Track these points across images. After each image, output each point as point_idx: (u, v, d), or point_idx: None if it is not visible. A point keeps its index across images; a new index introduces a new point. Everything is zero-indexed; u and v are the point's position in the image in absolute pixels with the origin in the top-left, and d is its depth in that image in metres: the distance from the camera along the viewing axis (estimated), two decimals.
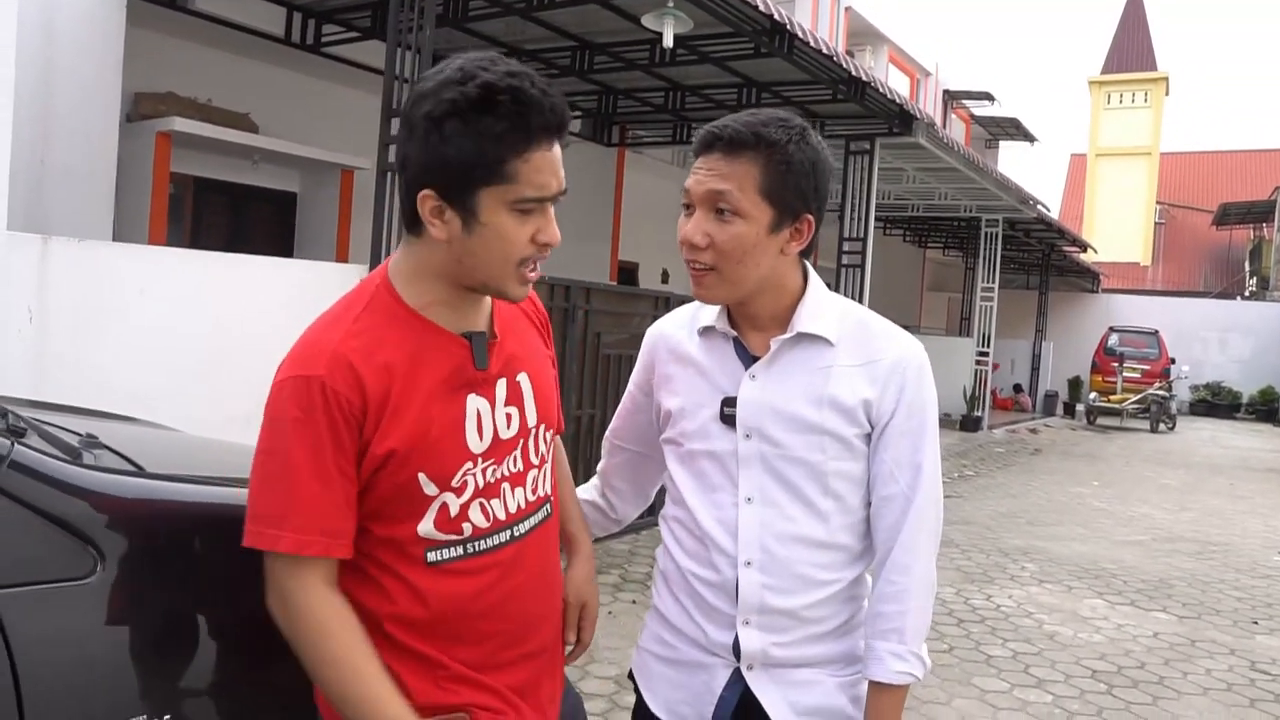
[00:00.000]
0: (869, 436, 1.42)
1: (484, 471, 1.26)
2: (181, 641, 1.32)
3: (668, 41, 6.52)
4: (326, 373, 1.16)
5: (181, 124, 6.73)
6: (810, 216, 1.39)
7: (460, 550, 1.25)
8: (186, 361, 4.41)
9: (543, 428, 1.36)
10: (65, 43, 5.75)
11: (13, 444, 1.24)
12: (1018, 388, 19.97)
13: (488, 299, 1.33)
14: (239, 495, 1.52)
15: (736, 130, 1.36)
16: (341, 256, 8.04)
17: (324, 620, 1.18)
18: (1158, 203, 31.43)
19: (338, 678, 1.18)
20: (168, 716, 1.24)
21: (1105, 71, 32.50)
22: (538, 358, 1.39)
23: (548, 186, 1.19)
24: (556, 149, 1.20)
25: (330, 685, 1.19)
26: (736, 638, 1.42)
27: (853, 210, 9.25)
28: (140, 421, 2.52)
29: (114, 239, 6.03)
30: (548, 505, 1.38)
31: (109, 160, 6.08)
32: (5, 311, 3.94)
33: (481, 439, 1.26)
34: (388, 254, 5.07)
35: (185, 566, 1.36)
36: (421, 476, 1.21)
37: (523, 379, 1.33)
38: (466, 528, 1.25)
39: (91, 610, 1.22)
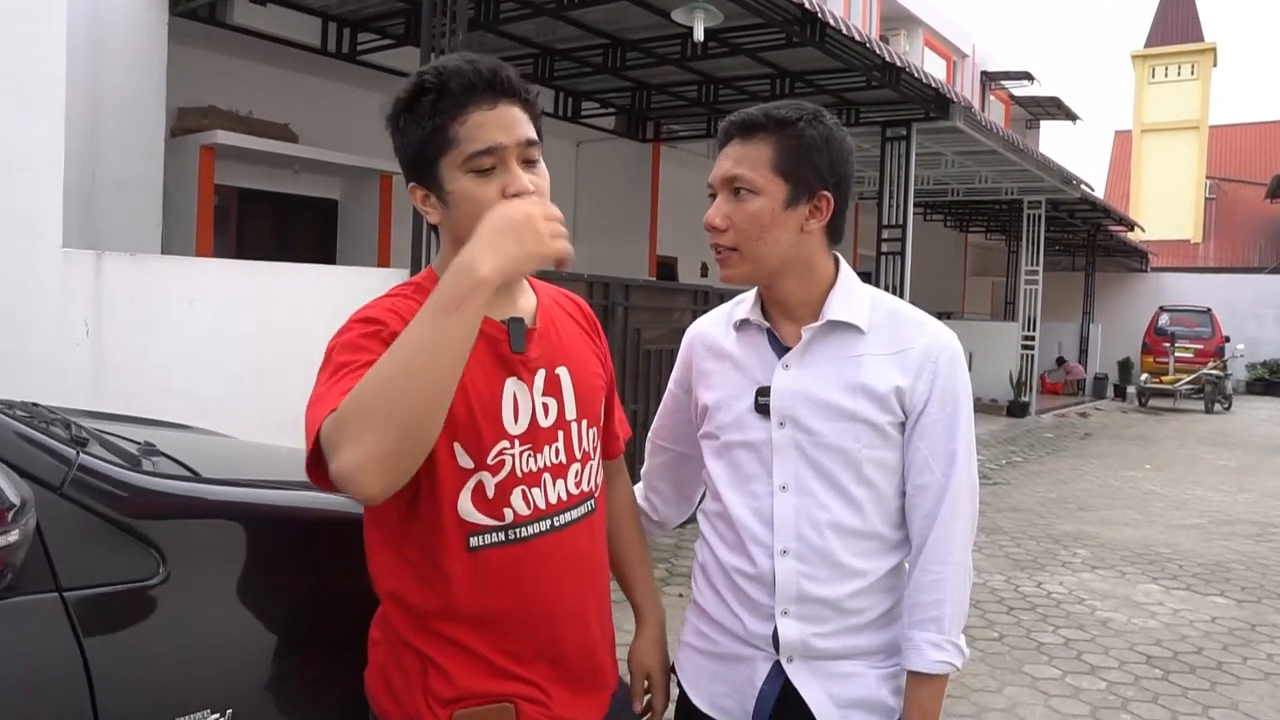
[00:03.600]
0: (903, 425, 1.43)
1: (522, 456, 1.29)
2: (241, 639, 1.37)
3: (699, 35, 6.51)
4: (383, 315, 1.24)
5: (224, 137, 6.88)
6: (827, 193, 1.41)
7: (501, 536, 1.28)
8: (236, 368, 4.52)
9: (585, 423, 1.38)
10: (111, 63, 5.91)
11: (77, 454, 1.30)
12: (1060, 360, 19.44)
13: (529, 293, 1.39)
14: (291, 498, 1.57)
15: (749, 115, 1.42)
16: (383, 261, 8.16)
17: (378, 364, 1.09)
18: (1208, 177, 30.57)
19: (394, 355, 1.07)
20: (230, 710, 1.29)
21: (1149, 44, 31.67)
22: (581, 356, 1.42)
23: (491, 139, 1.23)
24: (504, 108, 1.24)
25: (419, 361, 1.06)
26: (775, 629, 1.43)
27: (891, 197, 9.17)
28: (193, 429, 2.60)
29: (163, 251, 6.19)
30: (591, 501, 1.39)
31: (156, 175, 6.24)
32: (64, 325, 4.07)
33: (518, 422, 1.29)
34: (428, 256, 5.16)
35: (242, 566, 1.40)
36: (456, 446, 1.25)
37: (562, 372, 1.36)
38: (508, 513, 1.28)
39: (156, 610, 1.27)
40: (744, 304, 1.53)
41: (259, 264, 5.16)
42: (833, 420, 1.41)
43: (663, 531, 1.78)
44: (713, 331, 1.57)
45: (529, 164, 1.27)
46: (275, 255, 7.75)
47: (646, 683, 1.57)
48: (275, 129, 7.57)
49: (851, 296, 1.45)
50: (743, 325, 1.52)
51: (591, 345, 1.48)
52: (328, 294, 4.89)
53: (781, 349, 1.47)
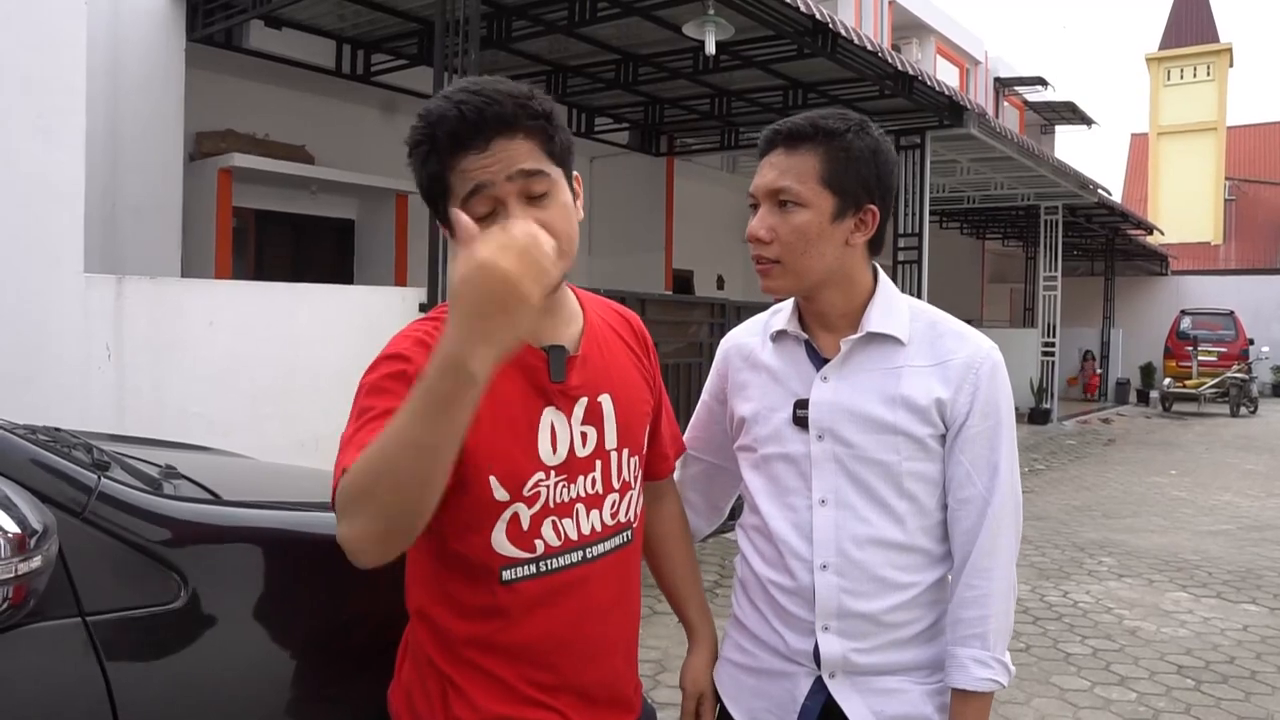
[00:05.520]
0: (943, 437, 1.40)
1: (556, 487, 1.26)
2: (262, 661, 1.37)
3: (710, 49, 6.53)
4: (411, 349, 1.21)
5: (241, 159, 6.96)
6: (873, 206, 1.39)
7: (533, 569, 1.26)
8: (256, 389, 4.55)
9: (625, 452, 1.35)
10: (130, 89, 5.99)
11: (99, 478, 1.30)
12: (1087, 355, 19.17)
13: (576, 316, 1.35)
14: (312, 519, 1.58)
15: (796, 124, 1.39)
16: (400, 280, 8.21)
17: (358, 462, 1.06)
18: (1227, 179, 30.30)
19: (387, 450, 1.01)
20: None
21: (1164, 47, 31.50)
22: (627, 381, 1.38)
23: (474, 180, 1.17)
24: (500, 145, 1.16)
25: (406, 462, 1.00)
26: (816, 644, 1.41)
27: (906, 205, 9.14)
28: (214, 450, 2.61)
29: (182, 274, 6.25)
30: (628, 532, 1.36)
31: (175, 199, 6.31)
32: (85, 349, 4.11)
33: (555, 452, 1.26)
34: (444, 275, 5.17)
35: (263, 589, 1.40)
36: (493, 480, 1.22)
37: (605, 400, 1.32)
38: (539, 545, 1.26)
39: (178, 633, 1.27)
40: (781, 314, 1.51)
41: (277, 285, 5.19)
42: (872, 433, 1.39)
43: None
44: (749, 342, 1.55)
45: (534, 199, 1.18)
46: (293, 276, 7.80)
47: (696, 704, 1.54)
48: (292, 151, 7.65)
49: (891, 308, 1.43)
50: (780, 336, 1.49)
51: (640, 367, 1.43)
52: (346, 314, 4.92)
53: (820, 360, 1.44)
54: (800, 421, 1.42)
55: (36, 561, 1.11)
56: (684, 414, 1.70)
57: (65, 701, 1.16)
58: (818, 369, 1.44)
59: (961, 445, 1.39)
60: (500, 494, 1.23)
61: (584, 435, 1.29)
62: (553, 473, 1.26)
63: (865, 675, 1.41)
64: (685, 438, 1.69)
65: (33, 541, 1.10)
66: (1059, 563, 6.02)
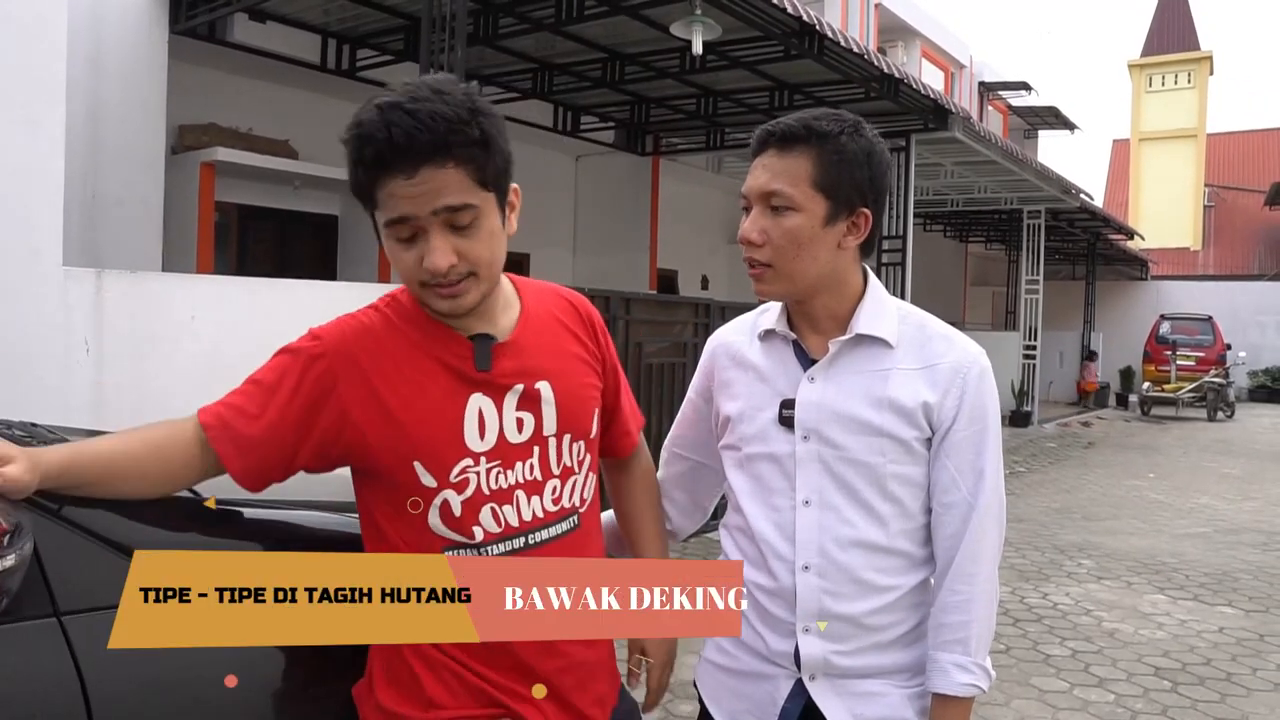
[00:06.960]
0: (929, 441, 1.40)
1: (489, 474, 1.27)
2: (242, 660, 1.35)
3: (697, 49, 6.53)
4: (325, 332, 1.30)
5: (224, 154, 6.90)
6: (866, 210, 1.39)
7: (474, 554, 1.26)
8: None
9: (568, 438, 1.34)
10: (111, 81, 5.93)
11: None
12: (1092, 354, 19.25)
13: (512, 306, 1.36)
14: (293, 517, 1.56)
15: (789, 126, 1.37)
16: (384, 277, 8.16)
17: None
18: (1206, 185, 30.61)
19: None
20: None
21: (1145, 54, 31.79)
22: (567, 368, 1.37)
23: (400, 211, 1.17)
24: (427, 173, 1.14)
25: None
26: (797, 646, 1.40)
27: (891, 208, 9.15)
28: None
29: (163, 268, 6.19)
30: (574, 518, 1.35)
31: (156, 192, 6.25)
32: (65, 343, 4.06)
33: (484, 439, 1.27)
34: None
35: None
36: (418, 466, 1.24)
37: (543, 387, 1.32)
38: (477, 531, 1.26)
39: None
40: (769, 314, 1.50)
41: (260, 280, 5.16)
42: (858, 435, 1.38)
43: (675, 541, 1.76)
44: (736, 340, 1.55)
45: (460, 228, 1.18)
46: (276, 271, 7.75)
47: (645, 663, 1.53)
48: (275, 145, 7.59)
49: (880, 310, 1.43)
50: (768, 335, 1.49)
51: (584, 352, 1.41)
52: (328, 310, 4.85)
53: (807, 361, 1.44)
54: (786, 421, 1.42)
55: (10, 560, 1.09)
56: (668, 415, 1.70)
57: (39, 703, 1.14)
58: (805, 369, 1.43)
59: (947, 449, 1.39)
60: (427, 479, 1.24)
61: (519, 421, 1.30)
62: (483, 459, 1.27)
63: (846, 678, 1.40)
64: (671, 436, 1.69)
65: (6, 539, 1.08)
66: (1039, 565, 6.06)
